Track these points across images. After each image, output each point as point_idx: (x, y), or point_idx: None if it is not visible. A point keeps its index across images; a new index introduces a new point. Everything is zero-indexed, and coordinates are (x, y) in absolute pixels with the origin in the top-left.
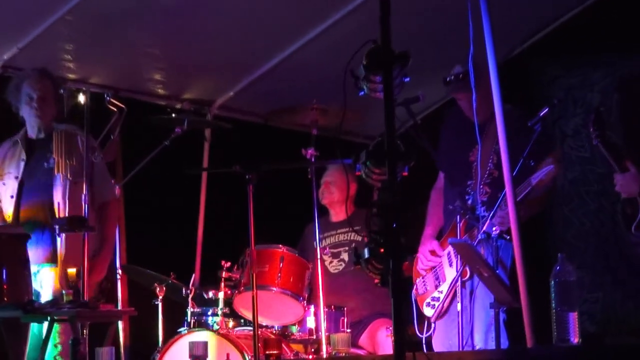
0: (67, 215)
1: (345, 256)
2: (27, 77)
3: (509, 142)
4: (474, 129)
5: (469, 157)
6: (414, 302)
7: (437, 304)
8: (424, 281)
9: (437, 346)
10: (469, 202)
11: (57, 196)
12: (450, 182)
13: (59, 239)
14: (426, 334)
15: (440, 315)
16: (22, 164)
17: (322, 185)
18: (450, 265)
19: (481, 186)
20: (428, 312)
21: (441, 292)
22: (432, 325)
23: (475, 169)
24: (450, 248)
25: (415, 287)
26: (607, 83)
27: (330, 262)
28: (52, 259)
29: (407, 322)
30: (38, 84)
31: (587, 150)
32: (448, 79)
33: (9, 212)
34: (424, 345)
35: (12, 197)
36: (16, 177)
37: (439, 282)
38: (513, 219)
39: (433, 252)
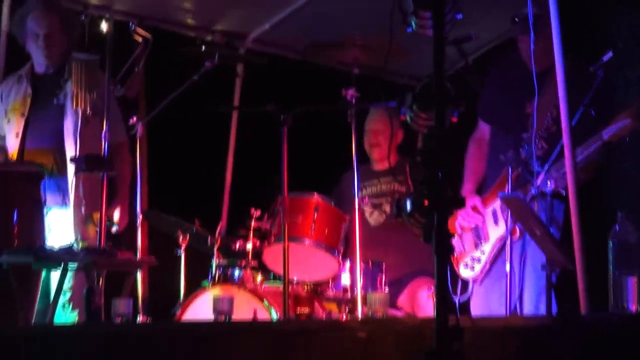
0: (77, 155)
1: (387, 207)
2: (32, 10)
3: (569, 92)
4: (532, 79)
5: (526, 108)
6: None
7: (477, 265)
8: (461, 239)
9: (476, 311)
10: (523, 155)
11: (68, 135)
12: (503, 131)
13: (72, 179)
14: (462, 297)
15: (482, 277)
16: (29, 100)
17: (367, 134)
18: (496, 223)
19: (537, 140)
20: (466, 273)
21: (483, 252)
22: (469, 288)
23: (532, 121)
24: (495, 205)
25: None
26: None
27: (371, 213)
28: (61, 202)
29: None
30: (45, 20)
31: None
32: (517, 18)
33: (13, 150)
34: (457, 310)
35: (17, 135)
36: (22, 114)
37: (481, 242)
38: (570, 174)
39: (475, 209)
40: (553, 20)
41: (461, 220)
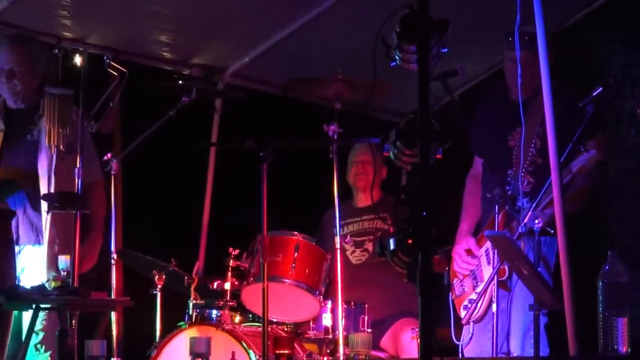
0: (51, 192)
1: (369, 246)
2: (0, 44)
3: (556, 124)
4: (515, 108)
5: (508, 141)
6: (451, 304)
7: (475, 307)
8: (461, 282)
9: (469, 352)
10: (509, 192)
11: (42, 171)
12: (489, 167)
13: (45, 217)
14: (464, 340)
15: (477, 319)
16: (1, 135)
17: (354, 165)
18: (489, 263)
19: (522, 175)
20: (464, 315)
21: (478, 293)
22: (471, 331)
23: (516, 155)
24: (488, 244)
25: (452, 287)
26: None
27: (353, 252)
28: (35, 240)
29: (435, 323)
30: (12, 55)
31: None
32: (510, 37)
33: None
34: (460, 353)
35: None
36: None
37: (477, 283)
38: (558, 211)
39: (469, 252)
40: (540, 47)
41: (456, 267)
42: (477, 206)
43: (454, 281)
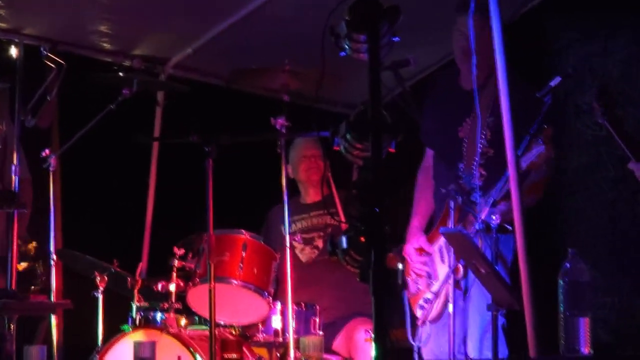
0: None
1: (319, 242)
2: None
3: (513, 119)
4: (465, 97)
5: (458, 132)
6: (407, 302)
7: (430, 306)
8: (415, 280)
9: (427, 354)
10: (463, 186)
11: None
12: (441, 160)
13: None
14: (421, 341)
15: (434, 319)
16: None
17: (303, 160)
18: (443, 260)
19: (475, 168)
20: (420, 314)
21: (433, 292)
22: (427, 331)
23: (467, 147)
24: (442, 241)
25: (407, 284)
26: (633, 52)
27: (302, 249)
28: None
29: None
30: None
31: (603, 129)
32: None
33: None
34: (417, 354)
35: None
36: None
37: (431, 281)
38: (517, 207)
39: (421, 250)
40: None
41: (412, 267)
42: (428, 202)
43: (408, 279)
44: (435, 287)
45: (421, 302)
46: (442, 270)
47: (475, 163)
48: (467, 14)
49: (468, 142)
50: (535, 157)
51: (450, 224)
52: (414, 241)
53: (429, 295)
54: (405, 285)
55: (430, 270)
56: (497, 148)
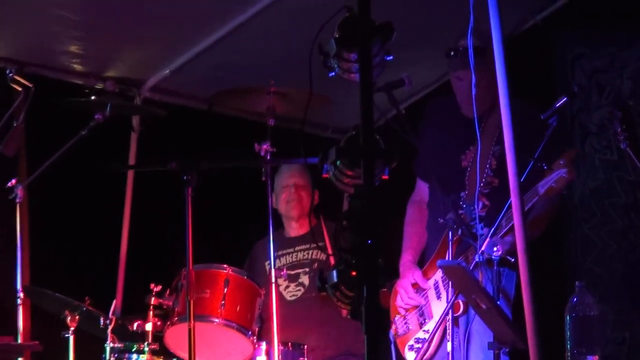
0: None
1: (305, 279)
2: None
3: (516, 141)
4: (468, 125)
5: (461, 161)
6: (393, 344)
7: (422, 346)
8: (405, 319)
9: None
10: (463, 216)
11: None
12: (440, 190)
13: None
14: None
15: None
16: None
17: (284, 190)
18: (439, 297)
19: (477, 197)
20: (411, 357)
21: (427, 331)
22: None
23: (470, 176)
24: (437, 276)
25: (394, 325)
26: None
27: (286, 287)
28: None
29: None
30: None
31: (614, 152)
32: (452, 53)
33: None
34: None
35: None
36: None
37: (425, 320)
38: (520, 239)
39: (415, 286)
40: (497, 53)
41: (400, 302)
42: (420, 235)
43: (396, 318)
44: (429, 325)
45: (411, 342)
46: (438, 307)
47: (477, 193)
48: (460, 66)
49: (471, 171)
50: (554, 182)
51: (448, 257)
52: (409, 275)
53: (422, 335)
54: (390, 324)
55: (423, 307)
56: (502, 178)
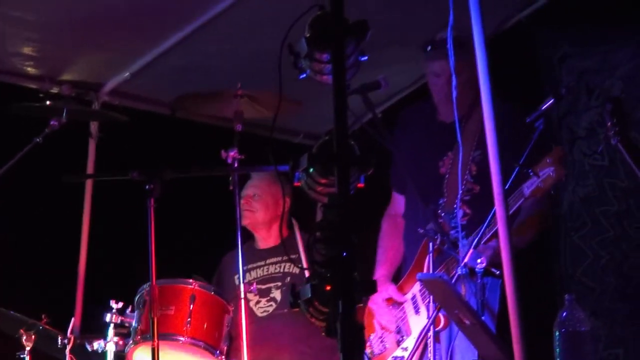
0: None
1: (277, 294)
2: None
3: (500, 146)
4: (445, 130)
5: (439, 168)
6: None
7: None
8: (380, 337)
9: None
10: (444, 225)
11: None
12: (419, 198)
13: None
14: None
15: None
16: None
17: (242, 199)
18: (417, 312)
19: (457, 206)
20: None
21: (405, 349)
22: None
23: (448, 183)
24: (415, 289)
25: (368, 344)
26: (634, 66)
27: (257, 302)
28: None
29: None
30: None
31: (605, 157)
32: (429, 46)
33: None
34: None
35: None
36: None
37: (402, 337)
38: (505, 248)
39: (390, 301)
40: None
41: (376, 319)
42: (396, 249)
43: (371, 337)
44: (407, 342)
45: None
46: (416, 322)
47: (457, 201)
48: (438, 57)
49: (449, 179)
50: (542, 182)
51: (428, 269)
52: (383, 290)
53: (399, 353)
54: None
55: (400, 324)
56: (483, 184)
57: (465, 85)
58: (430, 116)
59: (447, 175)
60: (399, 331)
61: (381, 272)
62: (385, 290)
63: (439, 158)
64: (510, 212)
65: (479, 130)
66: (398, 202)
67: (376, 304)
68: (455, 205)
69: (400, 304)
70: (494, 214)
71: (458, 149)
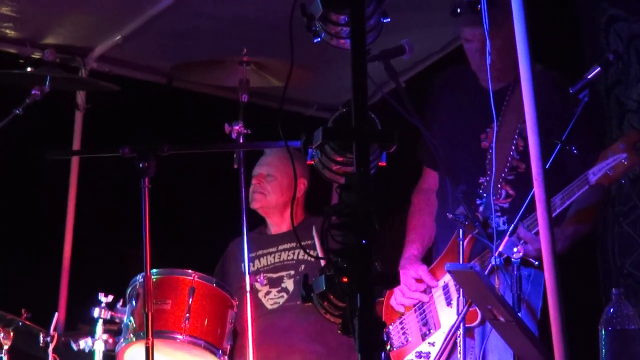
0: None
1: (289, 284)
2: None
3: (541, 119)
4: (488, 99)
5: (481, 142)
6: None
7: None
8: (402, 327)
9: None
10: (480, 209)
11: None
12: (452, 178)
13: None
14: None
15: None
16: None
17: (253, 179)
18: (449, 303)
19: (499, 186)
20: None
21: (433, 344)
22: None
23: (491, 160)
24: (447, 278)
25: (387, 335)
26: None
27: (267, 292)
28: None
29: None
30: None
31: None
32: (459, 8)
33: None
34: None
35: None
36: None
37: (429, 330)
38: (545, 236)
39: (420, 281)
40: (516, 14)
41: (401, 297)
42: (428, 228)
43: (390, 327)
44: (435, 337)
45: (411, 356)
46: (447, 315)
47: (501, 180)
48: (468, 22)
49: (491, 154)
50: (611, 169)
51: (460, 260)
52: (411, 269)
53: (425, 348)
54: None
55: (427, 313)
56: (529, 162)
57: (502, 52)
58: (471, 82)
59: (490, 150)
60: (425, 323)
61: (410, 252)
62: (415, 270)
63: (481, 130)
64: (572, 199)
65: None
66: (431, 177)
67: (404, 282)
68: (498, 185)
69: (431, 288)
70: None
71: (502, 121)
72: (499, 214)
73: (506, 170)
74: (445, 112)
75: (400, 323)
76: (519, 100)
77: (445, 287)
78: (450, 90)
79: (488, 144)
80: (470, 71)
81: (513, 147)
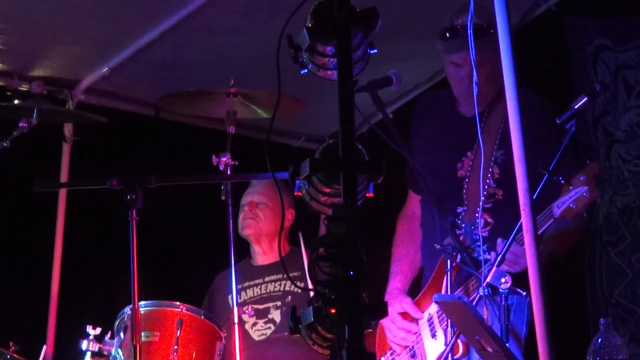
0: None
1: (276, 315)
2: None
3: (526, 150)
4: (465, 125)
5: (457, 171)
6: None
7: None
8: (392, 359)
9: None
10: (461, 238)
11: None
12: (435, 205)
13: None
14: None
15: None
16: None
17: (243, 207)
18: (434, 335)
19: (478, 215)
20: None
21: None
22: None
23: (468, 188)
24: (432, 309)
25: None
26: None
27: (254, 324)
28: None
29: None
30: None
31: None
32: (448, 33)
33: None
34: None
35: None
36: None
37: None
38: (533, 264)
39: (406, 316)
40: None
41: (390, 336)
42: (412, 258)
43: (382, 359)
44: None
45: None
46: (432, 347)
47: (479, 209)
48: (458, 47)
49: (469, 182)
50: (574, 202)
51: (445, 289)
52: (397, 304)
53: None
54: None
55: (415, 346)
56: (507, 188)
57: (489, 77)
58: (450, 107)
59: (466, 179)
60: (413, 354)
61: (394, 285)
62: (399, 303)
63: (457, 159)
64: (540, 231)
65: (501, 127)
66: (415, 202)
67: (390, 319)
68: (476, 215)
69: (416, 320)
70: (520, 227)
71: (479, 149)
72: (479, 243)
73: (483, 198)
74: (422, 139)
75: (391, 355)
76: (493, 126)
77: (430, 319)
78: (430, 114)
79: (464, 173)
80: (449, 95)
81: (489, 175)
